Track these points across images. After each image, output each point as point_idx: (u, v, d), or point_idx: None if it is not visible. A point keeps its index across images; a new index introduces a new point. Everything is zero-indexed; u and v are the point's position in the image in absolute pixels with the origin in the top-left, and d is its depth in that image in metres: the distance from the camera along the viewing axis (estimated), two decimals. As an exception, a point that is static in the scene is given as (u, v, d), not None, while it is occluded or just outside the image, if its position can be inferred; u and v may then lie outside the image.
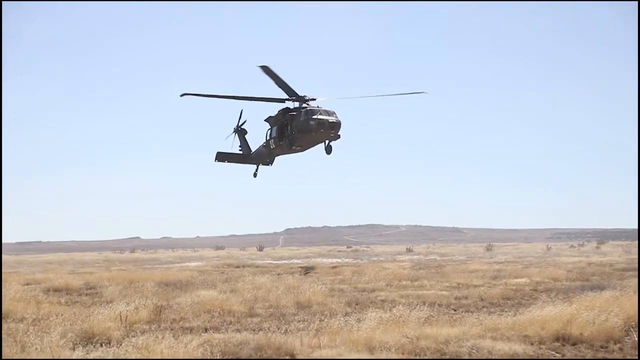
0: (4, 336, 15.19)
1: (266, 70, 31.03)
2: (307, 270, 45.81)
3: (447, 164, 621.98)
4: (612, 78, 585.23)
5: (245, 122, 39.46)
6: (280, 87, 32.14)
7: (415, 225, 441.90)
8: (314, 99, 32.93)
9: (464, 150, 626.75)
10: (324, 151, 33.04)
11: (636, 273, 38.04)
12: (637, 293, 18.94)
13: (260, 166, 38.56)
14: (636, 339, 15.86)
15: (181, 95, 32.32)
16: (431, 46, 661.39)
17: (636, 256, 61.00)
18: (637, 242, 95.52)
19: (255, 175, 38.85)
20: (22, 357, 11.23)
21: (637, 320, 17.33)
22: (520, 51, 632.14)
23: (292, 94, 32.62)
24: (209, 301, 24.37)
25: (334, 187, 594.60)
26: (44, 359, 11.36)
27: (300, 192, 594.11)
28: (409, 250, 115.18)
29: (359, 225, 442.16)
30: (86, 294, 31.06)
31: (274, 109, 34.78)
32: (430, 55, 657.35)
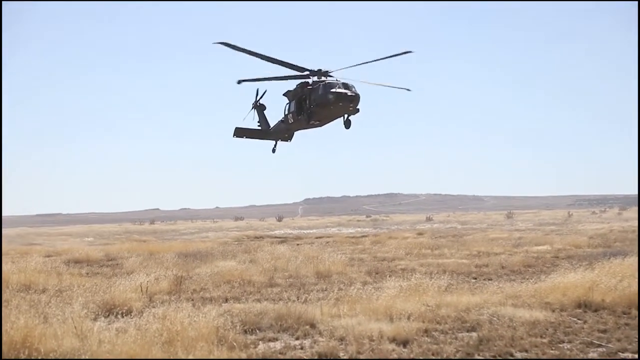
0: (26, 307, 15.39)
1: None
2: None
3: (466, 131, 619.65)
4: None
5: (264, 93, 39.28)
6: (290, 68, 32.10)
7: (435, 194, 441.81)
8: (328, 71, 32.67)
9: (484, 118, 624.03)
10: (343, 125, 32.82)
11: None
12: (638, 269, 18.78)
13: (279, 142, 38.44)
14: None
15: (215, 43, 31.78)
16: (460, 19, 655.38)
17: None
18: None
19: (274, 150, 38.72)
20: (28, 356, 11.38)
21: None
22: (525, 48, 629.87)
23: (302, 70, 32.48)
24: (228, 272, 24.52)
25: (352, 156, 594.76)
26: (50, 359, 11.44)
27: (319, 162, 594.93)
28: (428, 219, 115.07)
29: (378, 195, 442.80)
30: (107, 265, 31.36)
31: (291, 85, 34.57)
32: (460, 26, 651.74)
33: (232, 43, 30.65)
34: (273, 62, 32.01)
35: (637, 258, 20.97)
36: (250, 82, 33.49)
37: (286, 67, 32.58)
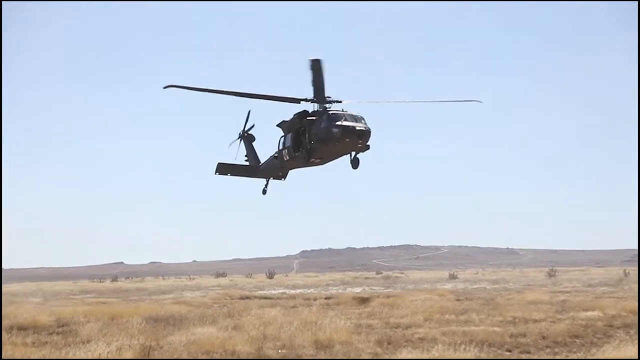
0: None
1: (316, 65, 31.26)
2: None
3: (498, 170, 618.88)
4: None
5: (253, 126, 39.32)
6: (315, 87, 32.23)
7: (460, 246, 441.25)
8: (339, 102, 32.87)
9: (519, 154, 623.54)
10: (350, 165, 33.00)
11: None
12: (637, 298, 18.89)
13: (271, 180, 38.52)
14: None
15: (165, 87, 32.42)
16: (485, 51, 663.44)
17: None
18: None
19: (264, 192, 38.83)
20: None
21: None
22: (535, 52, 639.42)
23: (321, 99, 32.61)
24: (207, 340, 24.43)
25: (360, 201, 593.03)
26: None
27: (320, 206, 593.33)
28: (452, 277, 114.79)
29: (391, 247, 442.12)
30: (58, 333, 31.20)
31: (288, 111, 34.73)
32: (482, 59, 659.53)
33: (181, 85, 31.53)
34: (250, 97, 32.51)
35: None
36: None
37: (271, 99, 32.97)
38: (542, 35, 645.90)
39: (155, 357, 21.86)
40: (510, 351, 23.45)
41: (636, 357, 17.80)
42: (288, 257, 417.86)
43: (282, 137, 35.74)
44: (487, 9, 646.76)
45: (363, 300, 47.43)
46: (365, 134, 31.83)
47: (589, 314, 35.00)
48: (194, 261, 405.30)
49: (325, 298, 52.91)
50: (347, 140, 31.71)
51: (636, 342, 19.97)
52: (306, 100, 33.04)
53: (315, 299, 52.71)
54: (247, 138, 39.59)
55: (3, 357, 11.47)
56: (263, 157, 38.89)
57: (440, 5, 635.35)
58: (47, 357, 11.92)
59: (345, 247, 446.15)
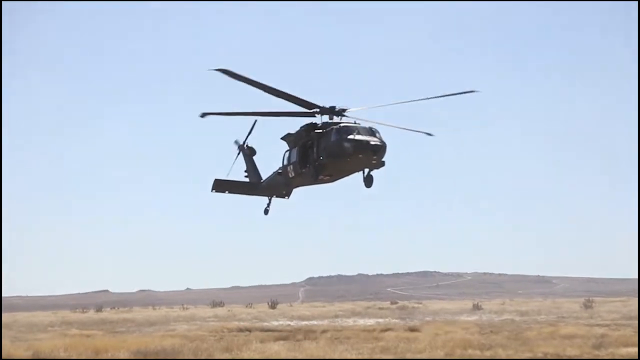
0: None
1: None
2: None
3: (527, 189, 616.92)
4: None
5: (247, 138, 39.04)
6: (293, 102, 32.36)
7: (485, 273, 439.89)
8: (344, 109, 32.82)
9: (551, 172, 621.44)
10: (363, 183, 32.91)
11: None
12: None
13: (274, 198, 38.42)
14: None
15: (210, 69, 31.96)
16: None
17: None
18: None
19: (266, 211, 38.74)
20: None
21: None
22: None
23: (310, 106, 32.68)
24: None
25: (372, 222, 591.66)
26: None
27: (328, 229, 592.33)
28: (476, 307, 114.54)
29: (408, 274, 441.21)
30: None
31: (294, 123, 34.72)
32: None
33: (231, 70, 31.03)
34: (276, 95, 32.32)
35: None
36: (220, 115, 33.56)
37: (290, 101, 32.85)
38: (541, 39, 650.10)
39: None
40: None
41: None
42: (293, 284, 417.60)
43: (287, 151, 35.69)
44: (486, 8, 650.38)
45: (376, 333, 47.38)
46: (381, 149, 31.70)
47: (630, 350, 34.92)
48: (188, 289, 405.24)
49: (335, 330, 52.82)
50: (360, 155, 31.59)
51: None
52: (318, 106, 32.97)
53: (322, 332, 52.69)
54: (246, 151, 39.47)
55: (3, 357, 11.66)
56: (265, 173, 38.84)
57: (438, 6, 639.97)
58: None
59: (356, 273, 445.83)
